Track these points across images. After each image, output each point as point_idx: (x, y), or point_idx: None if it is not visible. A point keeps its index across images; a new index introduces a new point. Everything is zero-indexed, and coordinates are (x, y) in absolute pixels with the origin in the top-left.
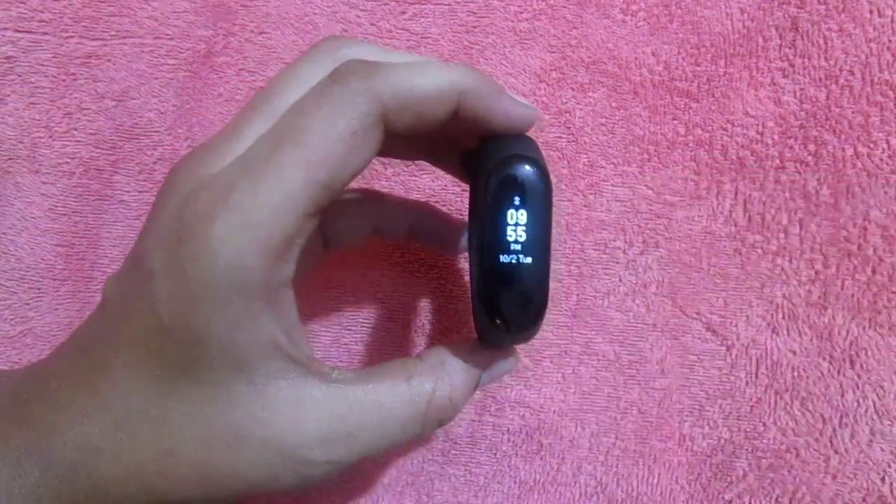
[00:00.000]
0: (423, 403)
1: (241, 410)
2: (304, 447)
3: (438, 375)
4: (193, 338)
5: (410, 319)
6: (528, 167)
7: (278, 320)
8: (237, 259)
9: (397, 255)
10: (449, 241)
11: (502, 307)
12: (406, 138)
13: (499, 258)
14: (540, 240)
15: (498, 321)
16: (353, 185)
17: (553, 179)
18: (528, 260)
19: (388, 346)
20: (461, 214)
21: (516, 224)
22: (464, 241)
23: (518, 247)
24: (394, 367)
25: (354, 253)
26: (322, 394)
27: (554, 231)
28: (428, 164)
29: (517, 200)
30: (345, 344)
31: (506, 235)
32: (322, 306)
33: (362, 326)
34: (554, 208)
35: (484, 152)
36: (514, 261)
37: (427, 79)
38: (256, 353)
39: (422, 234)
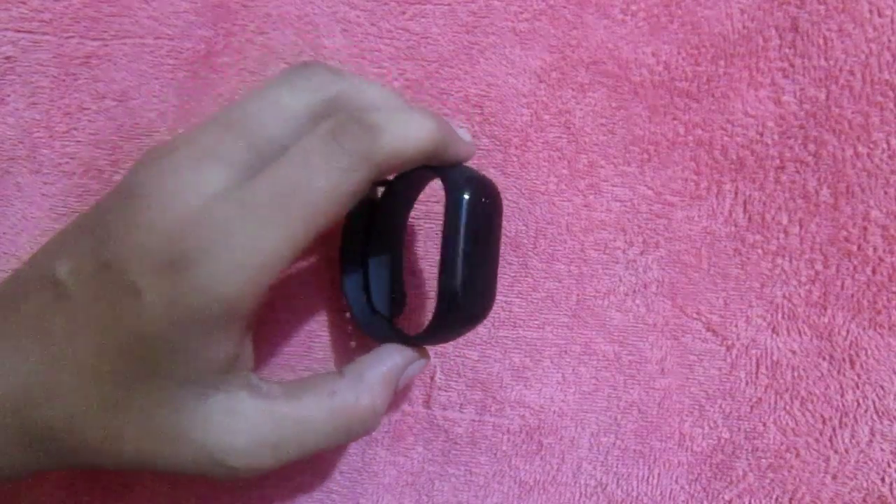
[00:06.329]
0: (346, 416)
1: (185, 414)
2: (231, 455)
3: (359, 389)
4: (169, 351)
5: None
6: (489, 189)
7: (242, 340)
8: (234, 294)
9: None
10: None
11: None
12: None
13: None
14: (493, 252)
15: (469, 311)
16: None
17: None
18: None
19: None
20: None
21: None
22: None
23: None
24: (317, 382)
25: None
26: (252, 408)
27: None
28: None
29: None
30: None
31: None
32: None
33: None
34: (555, 208)
35: (446, 182)
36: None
37: (413, 143)
38: (214, 368)
39: None
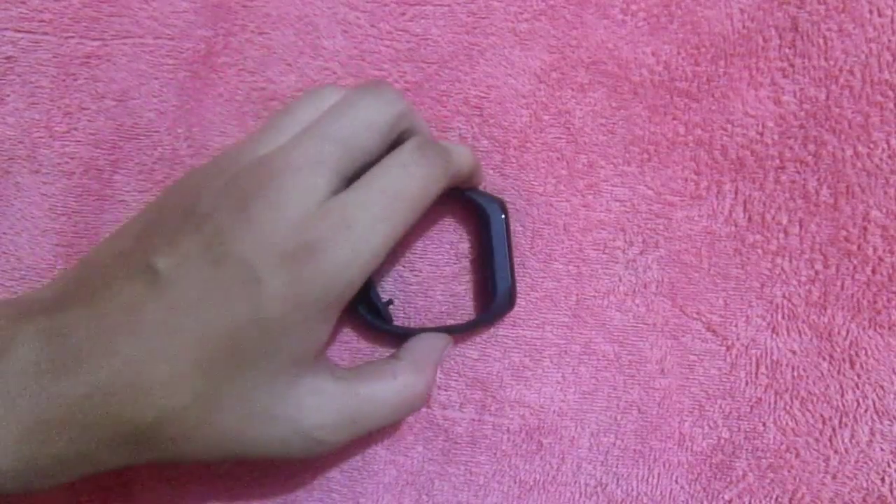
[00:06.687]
0: (408, 395)
1: (276, 397)
2: (318, 430)
3: (416, 372)
4: (278, 335)
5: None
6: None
7: (334, 326)
8: (349, 281)
9: None
10: None
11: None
12: None
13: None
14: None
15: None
16: None
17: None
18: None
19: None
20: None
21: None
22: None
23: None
24: (382, 366)
25: None
26: (333, 389)
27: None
28: None
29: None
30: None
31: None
32: None
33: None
34: (552, 208)
35: (473, 201)
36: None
37: (466, 166)
38: (310, 351)
39: None
